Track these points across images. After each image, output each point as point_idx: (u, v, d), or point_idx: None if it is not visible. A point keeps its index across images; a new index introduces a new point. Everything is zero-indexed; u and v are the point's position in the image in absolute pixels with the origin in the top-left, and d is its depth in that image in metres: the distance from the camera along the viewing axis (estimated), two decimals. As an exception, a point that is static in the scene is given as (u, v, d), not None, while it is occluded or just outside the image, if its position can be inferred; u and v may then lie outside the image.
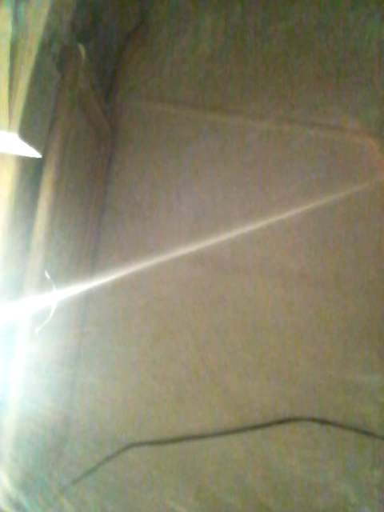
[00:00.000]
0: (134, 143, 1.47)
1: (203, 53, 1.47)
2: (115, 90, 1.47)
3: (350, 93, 1.43)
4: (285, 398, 1.36)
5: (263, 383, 1.37)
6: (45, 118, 0.88)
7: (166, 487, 1.34)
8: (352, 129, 1.41)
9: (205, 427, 1.36)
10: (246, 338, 1.39)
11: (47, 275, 0.97)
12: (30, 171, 0.92)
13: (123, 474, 1.35)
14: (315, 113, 1.44)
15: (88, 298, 1.39)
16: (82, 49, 0.98)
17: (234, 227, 1.38)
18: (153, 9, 1.49)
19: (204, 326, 1.41)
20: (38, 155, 0.86)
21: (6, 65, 0.76)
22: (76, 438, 1.36)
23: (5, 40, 0.76)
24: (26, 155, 0.87)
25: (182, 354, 1.40)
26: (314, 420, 1.34)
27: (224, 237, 1.38)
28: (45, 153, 0.91)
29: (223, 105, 1.47)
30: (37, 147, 0.84)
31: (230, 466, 1.35)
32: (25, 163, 0.89)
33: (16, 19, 0.77)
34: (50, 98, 0.89)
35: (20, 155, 0.87)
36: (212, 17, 1.47)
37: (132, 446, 1.35)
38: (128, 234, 1.44)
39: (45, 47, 0.81)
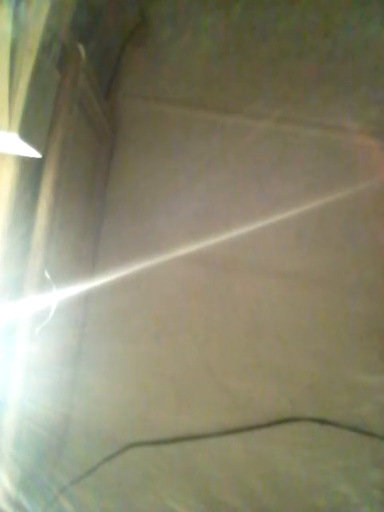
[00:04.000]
0: (134, 143, 1.47)
1: (203, 53, 1.47)
2: (115, 89, 1.47)
3: (350, 93, 1.43)
4: (285, 398, 1.36)
5: (263, 383, 1.37)
6: (45, 118, 0.88)
7: (166, 487, 1.34)
8: (352, 129, 1.41)
9: (205, 427, 1.36)
10: (246, 337, 1.39)
11: (47, 275, 0.97)
12: (30, 171, 0.92)
13: (123, 474, 1.35)
14: (315, 113, 1.44)
15: (88, 298, 1.39)
16: (81, 49, 0.97)
17: (234, 227, 1.38)
18: (153, 9, 1.49)
19: (204, 326, 1.41)
20: (38, 155, 0.86)
21: (6, 65, 0.76)
22: (76, 438, 1.36)
23: (5, 40, 0.76)
24: (26, 155, 0.87)
25: (182, 354, 1.40)
26: (313, 420, 1.34)
27: (224, 237, 1.38)
28: (45, 153, 0.91)
29: (223, 105, 1.47)
30: (37, 147, 0.84)
31: (230, 465, 1.35)
32: (25, 163, 0.89)
33: (16, 19, 0.77)
34: (50, 98, 0.89)
35: (20, 155, 0.87)
36: (212, 17, 1.47)
37: (132, 446, 1.35)
38: (128, 234, 1.44)
39: (45, 47, 0.81)
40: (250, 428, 1.35)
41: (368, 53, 1.44)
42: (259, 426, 1.35)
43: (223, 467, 1.35)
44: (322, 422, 1.34)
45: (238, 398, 1.37)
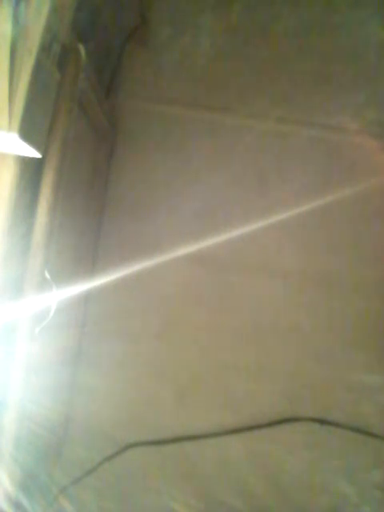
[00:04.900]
0: (134, 143, 1.47)
1: (203, 53, 1.47)
2: (115, 89, 1.47)
3: (350, 93, 1.43)
4: (285, 398, 1.36)
5: (263, 383, 1.37)
6: (45, 118, 0.88)
7: (166, 487, 1.34)
8: (352, 129, 1.41)
9: (205, 427, 1.36)
10: (246, 337, 1.39)
11: (47, 275, 0.97)
12: (30, 171, 0.92)
13: (123, 474, 1.35)
14: (315, 113, 1.44)
15: (88, 298, 1.39)
16: (81, 49, 0.97)
17: (234, 227, 1.38)
18: (153, 9, 1.49)
19: (204, 326, 1.41)
20: (38, 155, 0.86)
21: (6, 65, 0.76)
22: (76, 437, 1.36)
23: (5, 40, 0.76)
24: (26, 155, 0.87)
25: (182, 354, 1.40)
26: (313, 420, 1.34)
27: (224, 237, 1.38)
28: (45, 153, 0.91)
29: (223, 105, 1.47)
30: (37, 147, 0.84)
31: (229, 466, 1.35)
32: (25, 163, 0.89)
33: (16, 19, 0.77)
34: (50, 97, 0.89)
35: (20, 155, 0.87)
36: (212, 17, 1.47)
37: (132, 446, 1.35)
38: (128, 233, 1.44)
39: (45, 47, 0.81)
40: (250, 428, 1.35)
41: (368, 53, 1.44)
42: (259, 426, 1.35)
43: (223, 467, 1.35)
44: (322, 422, 1.34)
45: (238, 398, 1.37)
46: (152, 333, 1.41)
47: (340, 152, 1.43)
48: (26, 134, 0.78)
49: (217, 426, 1.36)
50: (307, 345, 1.38)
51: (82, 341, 1.39)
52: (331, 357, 1.37)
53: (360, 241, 1.41)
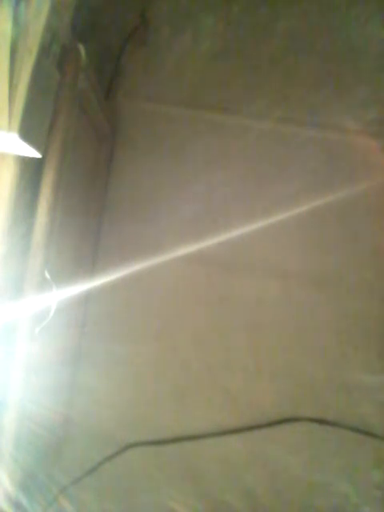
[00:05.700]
0: (134, 143, 1.47)
1: (203, 53, 1.47)
2: (115, 89, 1.47)
3: (350, 93, 1.43)
4: (285, 398, 1.36)
5: (263, 383, 1.37)
6: (45, 118, 0.88)
7: (165, 487, 1.34)
8: (352, 129, 1.41)
9: (205, 427, 1.36)
10: (246, 337, 1.39)
11: (47, 275, 0.97)
12: (30, 171, 0.92)
13: (123, 473, 1.35)
14: (315, 113, 1.44)
15: (88, 298, 1.39)
16: (81, 49, 0.98)
17: (234, 227, 1.38)
18: (153, 9, 1.49)
19: (204, 326, 1.41)
20: (38, 155, 0.86)
21: (5, 65, 0.76)
22: (76, 437, 1.36)
23: (5, 40, 0.76)
24: (26, 155, 0.87)
25: (182, 354, 1.40)
26: (313, 420, 1.34)
27: (224, 236, 1.38)
28: (45, 153, 0.91)
29: (223, 105, 1.47)
30: (37, 147, 0.84)
31: (230, 466, 1.35)
32: (25, 163, 0.89)
33: (16, 19, 0.77)
34: (50, 98, 0.89)
35: (20, 155, 0.87)
36: (212, 17, 1.47)
37: (132, 446, 1.35)
38: (128, 233, 1.44)
39: (45, 47, 0.81)
40: (250, 428, 1.35)
41: (368, 53, 1.44)
42: (259, 426, 1.35)
43: (223, 467, 1.35)
44: (322, 421, 1.34)
45: (238, 398, 1.37)
46: (152, 333, 1.41)
47: (340, 152, 1.43)
48: (26, 133, 0.78)
49: (217, 426, 1.36)
50: (307, 345, 1.38)
51: (82, 341, 1.39)
52: (331, 357, 1.37)
53: (360, 241, 1.41)
